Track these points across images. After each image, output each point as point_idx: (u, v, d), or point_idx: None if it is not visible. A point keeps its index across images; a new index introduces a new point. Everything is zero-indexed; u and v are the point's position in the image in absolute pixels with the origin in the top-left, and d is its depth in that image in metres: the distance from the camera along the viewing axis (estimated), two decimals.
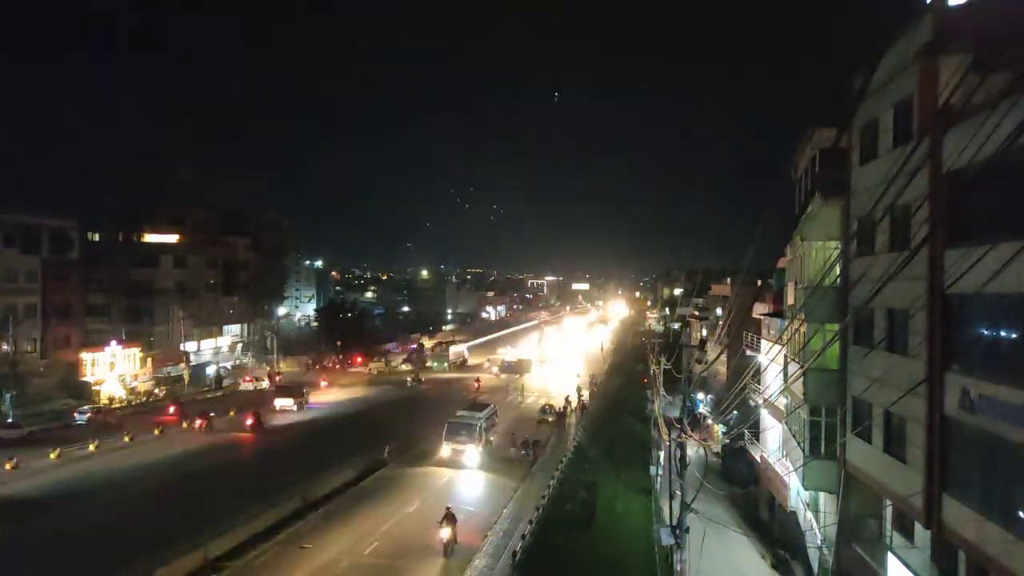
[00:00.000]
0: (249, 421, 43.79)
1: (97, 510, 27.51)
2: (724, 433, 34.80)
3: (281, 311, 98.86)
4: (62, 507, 27.70)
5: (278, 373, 70.01)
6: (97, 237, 69.36)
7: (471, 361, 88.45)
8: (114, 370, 56.81)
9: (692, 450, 30.27)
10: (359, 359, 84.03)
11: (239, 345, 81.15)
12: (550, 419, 48.43)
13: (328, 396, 60.34)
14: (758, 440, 34.12)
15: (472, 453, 36.35)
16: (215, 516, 25.30)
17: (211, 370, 68.69)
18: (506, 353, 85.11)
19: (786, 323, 27.16)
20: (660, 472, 33.59)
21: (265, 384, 63.67)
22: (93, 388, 54.28)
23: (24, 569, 22.14)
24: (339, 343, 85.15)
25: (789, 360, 25.15)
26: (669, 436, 28.95)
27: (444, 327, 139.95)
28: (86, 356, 55.33)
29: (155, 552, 21.64)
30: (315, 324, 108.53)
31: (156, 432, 42.06)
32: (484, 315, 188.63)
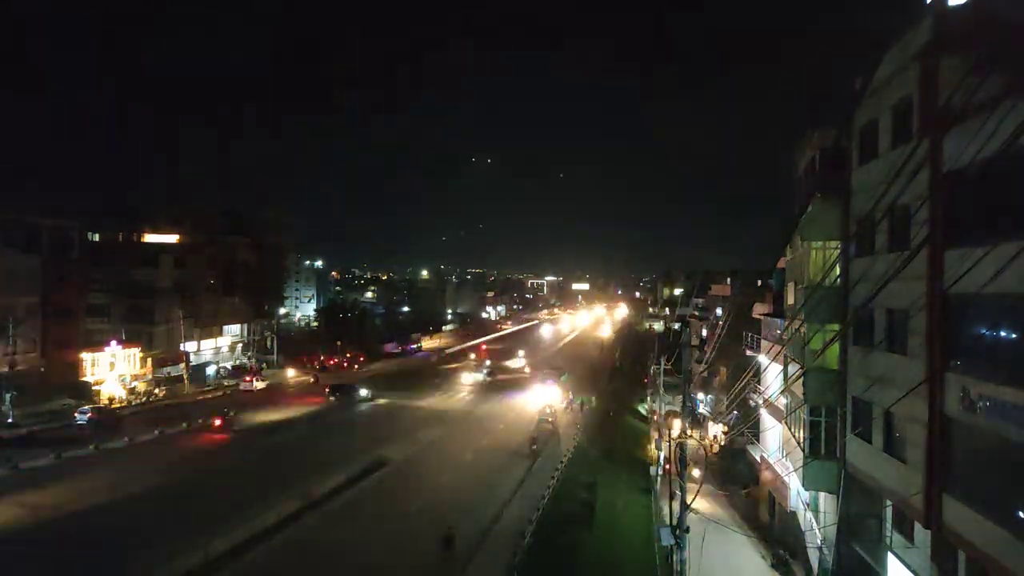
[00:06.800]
0: None
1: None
2: (723, 433, 34.82)
3: (281, 311, 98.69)
4: None
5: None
6: (97, 237, 69.35)
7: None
8: (114, 370, 56.78)
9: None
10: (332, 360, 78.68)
11: (239, 345, 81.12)
12: (550, 421, 47.81)
13: None
14: (758, 440, 34.11)
15: None
16: None
17: (211, 370, 68.59)
18: None
19: (786, 323, 27.14)
20: (660, 472, 33.61)
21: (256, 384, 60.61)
22: (93, 388, 54.26)
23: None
24: (339, 343, 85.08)
25: (789, 360, 25.15)
26: (669, 436, 28.94)
27: (444, 327, 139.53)
28: (86, 356, 55.26)
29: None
30: (315, 324, 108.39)
31: None
32: (484, 315, 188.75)
